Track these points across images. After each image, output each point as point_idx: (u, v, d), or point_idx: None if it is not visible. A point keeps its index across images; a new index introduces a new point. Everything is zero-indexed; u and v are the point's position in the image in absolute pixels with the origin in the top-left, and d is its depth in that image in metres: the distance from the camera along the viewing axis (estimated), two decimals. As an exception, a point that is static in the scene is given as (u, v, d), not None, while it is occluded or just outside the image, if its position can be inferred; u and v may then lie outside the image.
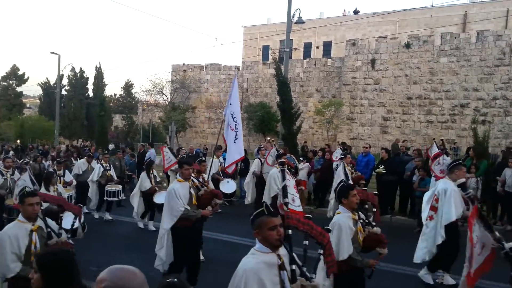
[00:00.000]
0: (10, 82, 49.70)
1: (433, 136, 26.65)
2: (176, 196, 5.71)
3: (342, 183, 5.39)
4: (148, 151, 16.52)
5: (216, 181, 11.05)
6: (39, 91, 47.45)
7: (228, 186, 10.77)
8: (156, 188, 9.67)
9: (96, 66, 43.13)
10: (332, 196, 9.87)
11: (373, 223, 4.86)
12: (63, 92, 41.75)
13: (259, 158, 11.30)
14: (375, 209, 5.64)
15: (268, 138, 16.93)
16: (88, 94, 43.86)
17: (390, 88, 28.17)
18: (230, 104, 7.92)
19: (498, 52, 25.08)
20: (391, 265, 7.09)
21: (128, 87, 53.96)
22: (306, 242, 3.27)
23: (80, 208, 5.14)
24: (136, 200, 10.01)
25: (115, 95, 56.81)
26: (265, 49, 41.89)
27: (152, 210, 9.83)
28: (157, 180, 10.32)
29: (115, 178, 11.58)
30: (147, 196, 9.78)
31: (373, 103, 28.76)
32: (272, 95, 32.93)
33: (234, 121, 7.70)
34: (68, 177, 10.63)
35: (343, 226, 4.41)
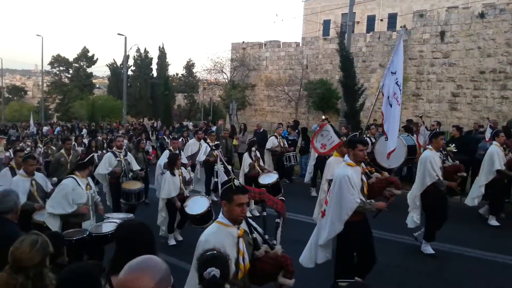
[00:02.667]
0: (81, 63, 52.65)
1: (508, 113, 24.78)
2: (351, 185, 4.66)
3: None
4: (210, 128, 16.87)
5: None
6: (107, 72, 49.90)
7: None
8: (260, 170, 9.05)
9: (160, 47, 44.55)
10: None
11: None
12: (129, 72, 43.53)
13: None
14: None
15: (323, 117, 16.56)
16: (152, 74, 45.45)
17: (460, 61, 26.40)
18: (392, 73, 6.74)
19: None
20: (459, 247, 6.97)
21: (189, 66, 55.17)
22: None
23: (284, 207, 3.95)
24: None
25: (177, 74, 58.39)
26: (326, 24, 40.75)
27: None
28: (260, 162, 9.50)
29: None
30: (250, 180, 9.01)
31: (442, 78, 27.15)
32: (333, 71, 32.14)
33: (400, 90, 6.67)
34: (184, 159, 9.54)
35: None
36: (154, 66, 45.61)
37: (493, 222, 8.36)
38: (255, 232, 3.10)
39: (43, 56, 38.56)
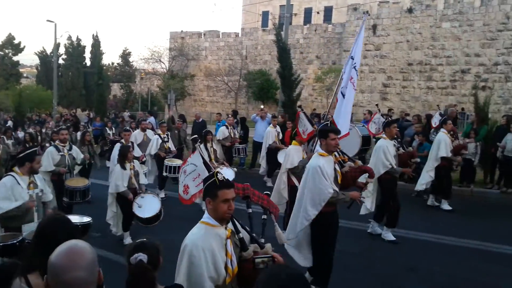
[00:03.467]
0: (6, 51, 49.00)
1: (433, 102, 26.56)
2: (323, 175, 4.54)
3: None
4: (148, 119, 16.50)
5: (274, 152, 10.66)
6: (36, 60, 46.93)
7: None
8: (215, 164, 8.64)
9: (93, 35, 42.67)
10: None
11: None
12: (60, 61, 41.28)
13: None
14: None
15: (262, 107, 16.83)
16: (86, 63, 43.43)
17: (391, 54, 27.83)
18: (352, 57, 6.72)
19: (502, 17, 24.59)
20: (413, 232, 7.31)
21: (125, 55, 53.32)
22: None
23: (271, 201, 3.75)
24: None
25: (112, 63, 56.24)
26: (265, 15, 41.06)
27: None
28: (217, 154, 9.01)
29: (174, 150, 10.17)
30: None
31: (374, 69, 28.48)
32: (272, 62, 32.57)
33: (356, 75, 6.71)
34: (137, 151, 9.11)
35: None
36: (87, 54, 43.59)
37: (445, 206, 8.77)
38: (243, 231, 2.87)
39: (-39, 42, 35.47)
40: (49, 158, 7.38)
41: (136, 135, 10.18)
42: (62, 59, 42.43)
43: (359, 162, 5.09)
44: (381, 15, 27.96)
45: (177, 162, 9.61)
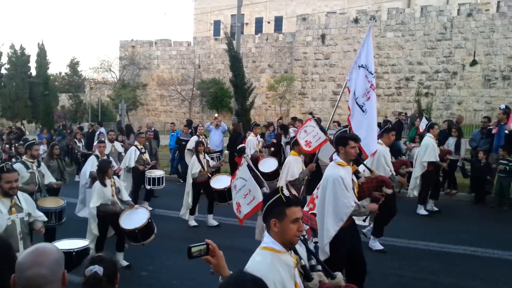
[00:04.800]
0: None
1: (380, 109, 27.71)
2: (345, 187, 4.19)
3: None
4: (97, 130, 16.09)
5: (256, 161, 10.10)
6: (-25, 70, 44.26)
7: (268, 164, 9.39)
8: (209, 174, 8.32)
9: (39, 43, 40.90)
10: None
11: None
12: (3, 71, 39.31)
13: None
14: None
15: (216, 115, 16.89)
16: (31, 73, 41.52)
17: (339, 62, 28.80)
18: (361, 66, 6.21)
19: (440, 27, 26.18)
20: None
21: (73, 64, 51.63)
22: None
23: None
24: (188, 191, 8.29)
25: (60, 73, 54.23)
26: (216, 24, 41.26)
27: (211, 201, 8.26)
28: (210, 164, 8.65)
29: (150, 161, 9.73)
30: (198, 185, 8.30)
31: (324, 78, 29.34)
32: (225, 71, 32.73)
33: (373, 79, 6.05)
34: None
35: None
36: (32, 64, 41.68)
37: (421, 211, 8.79)
38: (314, 258, 2.51)
39: None
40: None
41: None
42: (5, 68, 40.39)
43: (376, 172, 4.85)
44: (329, 25, 28.93)
45: (159, 172, 9.40)
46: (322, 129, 6.37)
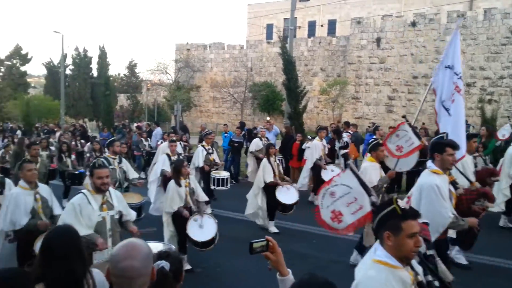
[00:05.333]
0: (14, 61, 49.61)
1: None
2: (442, 197, 3.88)
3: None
4: (154, 129, 16.66)
5: (318, 169, 9.86)
6: (44, 71, 47.43)
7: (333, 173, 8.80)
8: (279, 182, 7.88)
9: (100, 46, 43.06)
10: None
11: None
12: (67, 72, 41.71)
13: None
14: None
15: (268, 118, 16.94)
16: (92, 74, 43.80)
17: (395, 67, 28.03)
18: (447, 67, 5.94)
19: (505, 31, 24.79)
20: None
21: (132, 66, 53.75)
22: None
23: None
24: (258, 196, 7.96)
25: (119, 74, 56.72)
26: (269, 27, 41.51)
27: (274, 207, 7.91)
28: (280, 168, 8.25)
29: (219, 162, 9.80)
30: (271, 188, 7.81)
31: (379, 82, 28.67)
32: (277, 74, 32.84)
33: (461, 80, 5.84)
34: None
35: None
36: (94, 65, 44.00)
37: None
38: (428, 272, 2.33)
39: (-29, 53, 36.28)
40: None
41: (165, 147, 9.49)
42: (69, 69, 42.86)
43: (477, 184, 4.59)
44: (385, 28, 28.24)
45: (224, 174, 9.39)
46: (416, 134, 6.01)
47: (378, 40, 28.38)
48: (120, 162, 7.10)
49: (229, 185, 9.40)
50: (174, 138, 9.23)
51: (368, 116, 28.40)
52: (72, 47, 41.06)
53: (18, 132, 21.70)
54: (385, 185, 6.02)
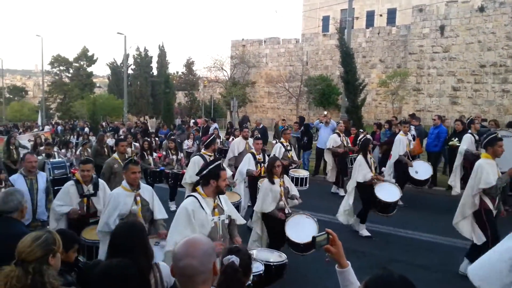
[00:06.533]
0: (81, 63, 52.68)
1: (509, 106, 24.80)
2: None
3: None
4: (211, 125, 16.93)
5: (401, 165, 9.26)
6: (108, 71, 49.88)
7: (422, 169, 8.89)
8: (380, 178, 7.50)
9: (159, 45, 44.56)
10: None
11: None
12: (130, 71, 43.56)
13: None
14: None
15: (325, 112, 16.53)
16: (153, 73, 45.47)
17: (461, 56, 26.41)
18: None
19: None
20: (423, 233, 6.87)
21: (189, 64, 55.12)
22: None
23: None
24: (350, 191, 7.48)
25: (177, 72, 58.40)
26: (325, 20, 40.70)
27: (368, 209, 7.42)
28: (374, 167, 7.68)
29: (297, 160, 9.45)
30: (368, 188, 7.26)
31: (442, 72, 27.17)
32: (333, 67, 32.17)
33: None
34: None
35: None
36: (154, 64, 45.66)
37: None
38: None
39: (43, 56, 38.86)
40: (195, 169, 6.41)
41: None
42: (131, 69, 44.74)
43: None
44: (449, 15, 26.66)
45: (304, 173, 8.78)
46: None
47: (442, 28, 26.85)
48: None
49: (308, 185, 8.65)
50: (259, 136, 8.60)
51: (431, 109, 27.03)
52: (134, 47, 42.81)
53: (86, 130, 22.97)
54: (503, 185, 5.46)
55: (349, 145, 11.04)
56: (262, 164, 7.48)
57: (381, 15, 37.73)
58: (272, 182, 5.58)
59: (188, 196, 4.02)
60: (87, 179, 5.28)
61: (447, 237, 7.04)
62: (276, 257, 4.45)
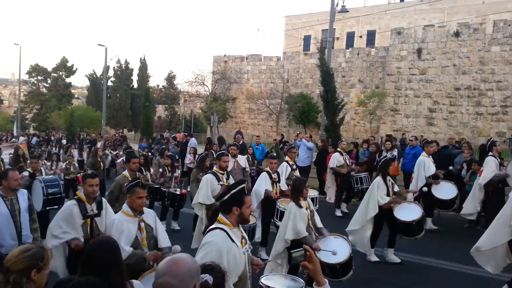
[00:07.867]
0: (60, 73, 51.90)
1: (482, 128, 25.50)
2: None
3: None
4: (190, 140, 16.81)
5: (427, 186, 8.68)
6: (87, 82, 49.27)
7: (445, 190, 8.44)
8: (397, 200, 6.86)
9: (141, 58, 44.43)
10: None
11: None
12: (109, 83, 43.14)
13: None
14: None
15: (298, 132, 16.57)
16: (133, 85, 45.14)
17: (437, 78, 27.15)
18: None
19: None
20: (439, 260, 6.91)
21: (170, 78, 55.04)
22: None
23: None
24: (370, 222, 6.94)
25: (158, 86, 58.17)
26: (307, 39, 41.39)
27: (395, 233, 6.98)
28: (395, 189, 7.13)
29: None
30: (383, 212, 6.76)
31: (419, 93, 27.84)
32: (313, 85, 32.57)
33: None
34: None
35: None
36: (134, 77, 45.40)
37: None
38: None
39: (21, 65, 37.92)
40: (208, 188, 6.05)
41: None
42: (111, 81, 44.33)
43: None
44: (426, 38, 27.47)
45: (313, 192, 7.94)
46: None
47: (419, 51, 27.62)
48: (228, 178, 6.47)
49: (317, 205, 7.87)
50: (274, 154, 8.01)
51: (408, 129, 27.56)
52: (114, 59, 42.52)
53: (63, 141, 22.53)
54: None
55: (351, 165, 10.66)
56: (278, 184, 7.09)
57: (360, 37, 38.63)
58: (300, 206, 5.11)
59: (213, 229, 3.23)
60: (94, 195, 4.65)
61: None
62: (341, 257, 4.64)
